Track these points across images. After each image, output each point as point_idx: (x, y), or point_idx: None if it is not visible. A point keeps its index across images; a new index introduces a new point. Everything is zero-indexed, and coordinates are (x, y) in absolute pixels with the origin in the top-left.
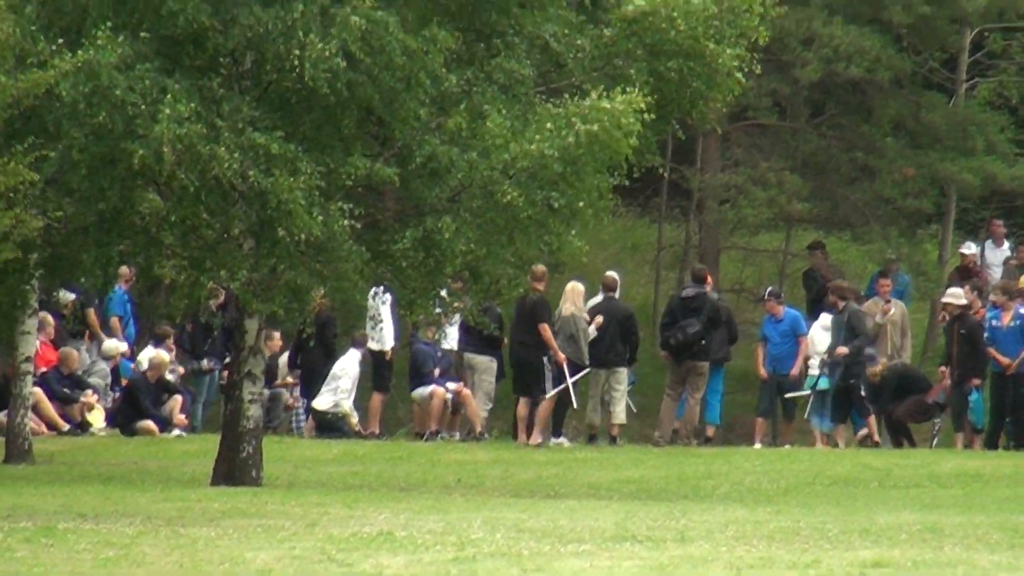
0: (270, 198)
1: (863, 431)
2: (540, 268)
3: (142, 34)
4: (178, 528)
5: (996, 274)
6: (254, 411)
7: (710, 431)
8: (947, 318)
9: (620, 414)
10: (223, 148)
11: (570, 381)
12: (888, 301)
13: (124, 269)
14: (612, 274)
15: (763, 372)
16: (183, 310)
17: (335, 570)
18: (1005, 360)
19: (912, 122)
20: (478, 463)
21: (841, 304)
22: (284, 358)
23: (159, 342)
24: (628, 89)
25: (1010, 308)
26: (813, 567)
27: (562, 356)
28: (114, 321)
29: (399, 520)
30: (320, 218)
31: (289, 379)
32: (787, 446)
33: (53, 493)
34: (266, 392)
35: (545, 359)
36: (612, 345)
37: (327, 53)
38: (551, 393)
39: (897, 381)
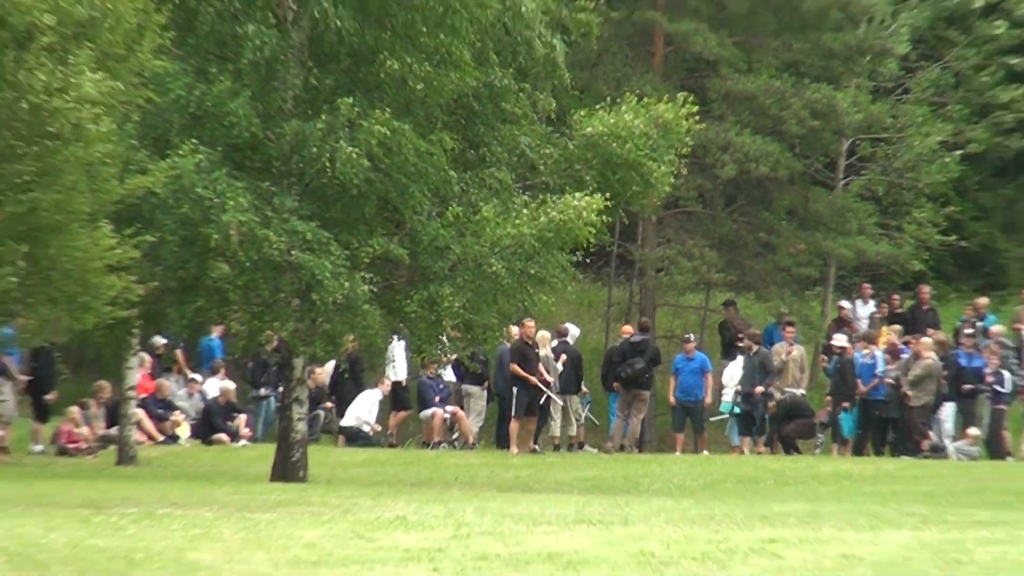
0: (305, 272)
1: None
2: (531, 323)
3: (218, 153)
4: (245, 513)
5: (863, 324)
6: (301, 427)
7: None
8: (826, 360)
9: (575, 427)
10: (273, 233)
11: (552, 394)
12: (792, 344)
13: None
14: (566, 325)
15: (672, 399)
16: (245, 351)
17: (364, 545)
18: (862, 388)
19: (802, 210)
20: (471, 465)
21: (755, 348)
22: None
23: (215, 373)
24: (587, 192)
25: (871, 350)
26: (724, 543)
27: (533, 380)
28: (217, 362)
29: (411, 508)
30: (347, 284)
31: (328, 404)
32: (704, 452)
33: (152, 488)
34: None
35: (515, 388)
36: (569, 378)
37: (354, 156)
38: (548, 399)
39: (787, 410)
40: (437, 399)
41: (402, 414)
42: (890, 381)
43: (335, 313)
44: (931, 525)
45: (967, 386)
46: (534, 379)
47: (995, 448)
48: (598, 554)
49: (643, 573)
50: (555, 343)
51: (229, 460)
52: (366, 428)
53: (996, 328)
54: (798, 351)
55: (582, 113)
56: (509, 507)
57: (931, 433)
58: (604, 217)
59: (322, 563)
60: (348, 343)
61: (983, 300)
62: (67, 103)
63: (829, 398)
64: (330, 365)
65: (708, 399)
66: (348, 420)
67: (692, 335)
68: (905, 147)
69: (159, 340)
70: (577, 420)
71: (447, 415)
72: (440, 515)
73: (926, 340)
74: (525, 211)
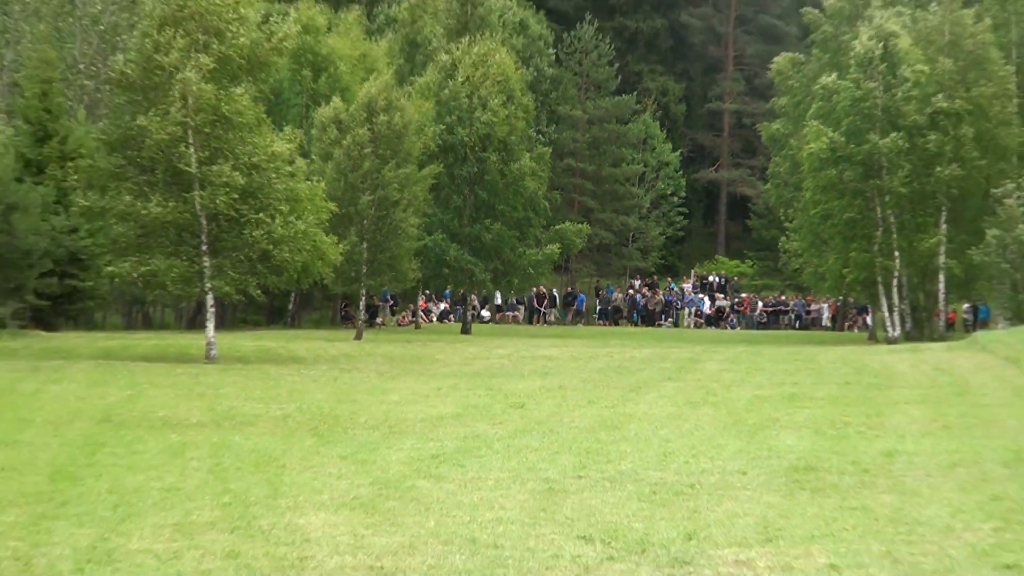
0: (470, 271)
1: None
2: (542, 287)
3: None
4: (452, 344)
5: (637, 285)
6: (469, 318)
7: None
8: (628, 296)
9: (554, 319)
10: (464, 258)
11: (543, 309)
12: (618, 293)
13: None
14: (552, 288)
15: (573, 309)
16: (453, 295)
17: (490, 353)
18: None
19: (620, 255)
20: (521, 330)
21: (605, 292)
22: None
23: (440, 301)
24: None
25: (636, 295)
26: (596, 352)
27: (540, 305)
28: (446, 298)
29: (504, 342)
30: (483, 275)
31: (471, 312)
32: (582, 324)
33: (425, 335)
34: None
35: (536, 307)
36: (552, 303)
37: (488, 237)
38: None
39: (616, 310)
40: (509, 310)
41: (500, 314)
42: (644, 303)
43: (479, 284)
44: (656, 348)
45: (667, 307)
46: (539, 305)
47: (677, 326)
48: (558, 357)
49: (572, 362)
50: (549, 292)
51: (449, 328)
52: (486, 318)
53: (676, 288)
54: (620, 295)
55: (557, 225)
56: (534, 342)
57: (663, 320)
58: (559, 253)
59: (476, 359)
60: (483, 292)
61: (670, 278)
62: (403, 222)
63: (627, 309)
64: (473, 297)
65: (585, 309)
66: (482, 315)
67: (583, 292)
68: (650, 235)
69: (427, 291)
70: (556, 317)
71: (514, 314)
72: (511, 344)
73: (657, 291)
74: (541, 252)
